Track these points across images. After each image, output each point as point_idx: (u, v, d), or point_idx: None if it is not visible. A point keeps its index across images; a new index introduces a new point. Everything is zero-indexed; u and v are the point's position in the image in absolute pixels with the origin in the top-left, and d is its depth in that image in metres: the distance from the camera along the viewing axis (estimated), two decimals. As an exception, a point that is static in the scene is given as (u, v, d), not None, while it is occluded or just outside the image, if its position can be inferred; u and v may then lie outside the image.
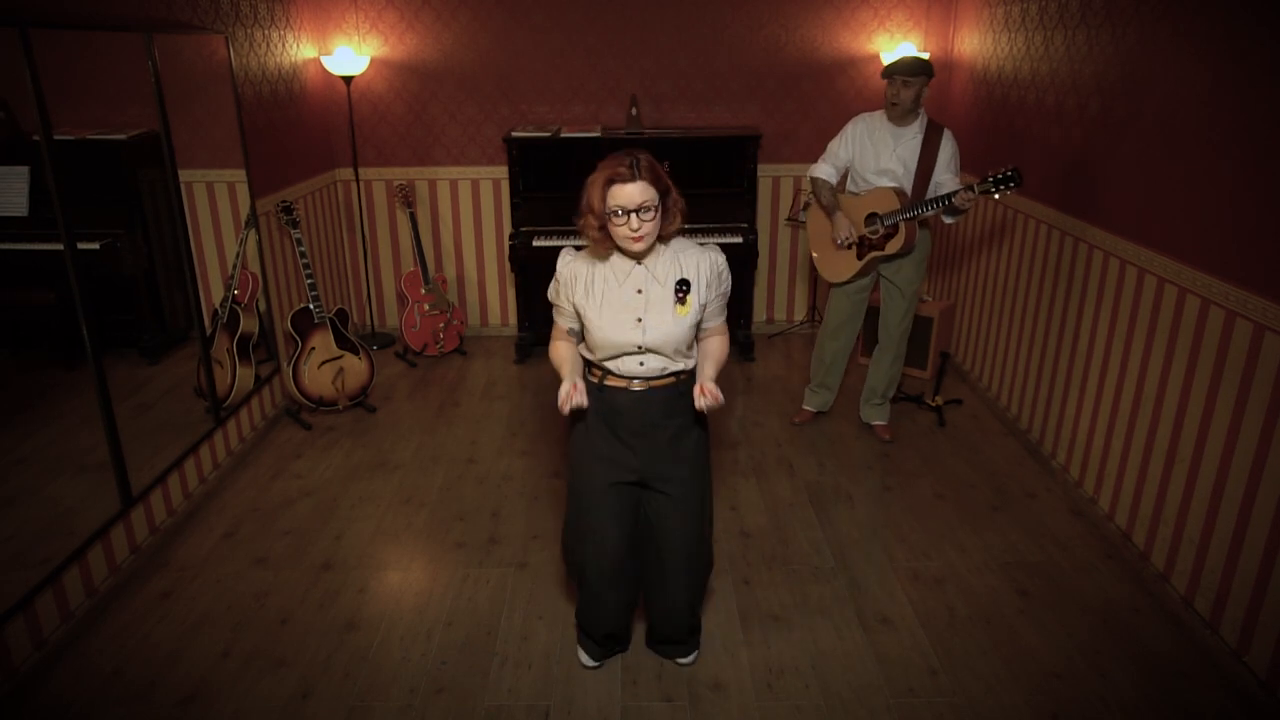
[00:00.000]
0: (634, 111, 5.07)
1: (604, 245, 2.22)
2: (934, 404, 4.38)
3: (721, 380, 2.32)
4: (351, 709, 2.53)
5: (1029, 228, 4.05)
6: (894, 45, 5.09)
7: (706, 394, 2.20)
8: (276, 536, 3.40)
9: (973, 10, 4.82)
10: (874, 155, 3.74)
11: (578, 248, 2.35)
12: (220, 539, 3.39)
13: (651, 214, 2.14)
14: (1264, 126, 2.48)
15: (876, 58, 5.15)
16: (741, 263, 4.89)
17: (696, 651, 2.71)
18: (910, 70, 3.55)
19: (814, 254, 4.06)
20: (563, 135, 4.91)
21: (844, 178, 3.93)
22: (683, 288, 2.23)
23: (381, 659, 2.73)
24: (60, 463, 2.91)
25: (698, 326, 2.33)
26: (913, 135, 3.69)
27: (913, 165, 3.68)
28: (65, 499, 2.90)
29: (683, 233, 2.32)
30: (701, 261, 2.29)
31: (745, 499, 3.64)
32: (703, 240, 2.46)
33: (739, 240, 4.86)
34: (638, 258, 2.24)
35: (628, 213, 2.11)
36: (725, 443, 4.12)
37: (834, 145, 3.86)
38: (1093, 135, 3.46)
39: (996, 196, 3.41)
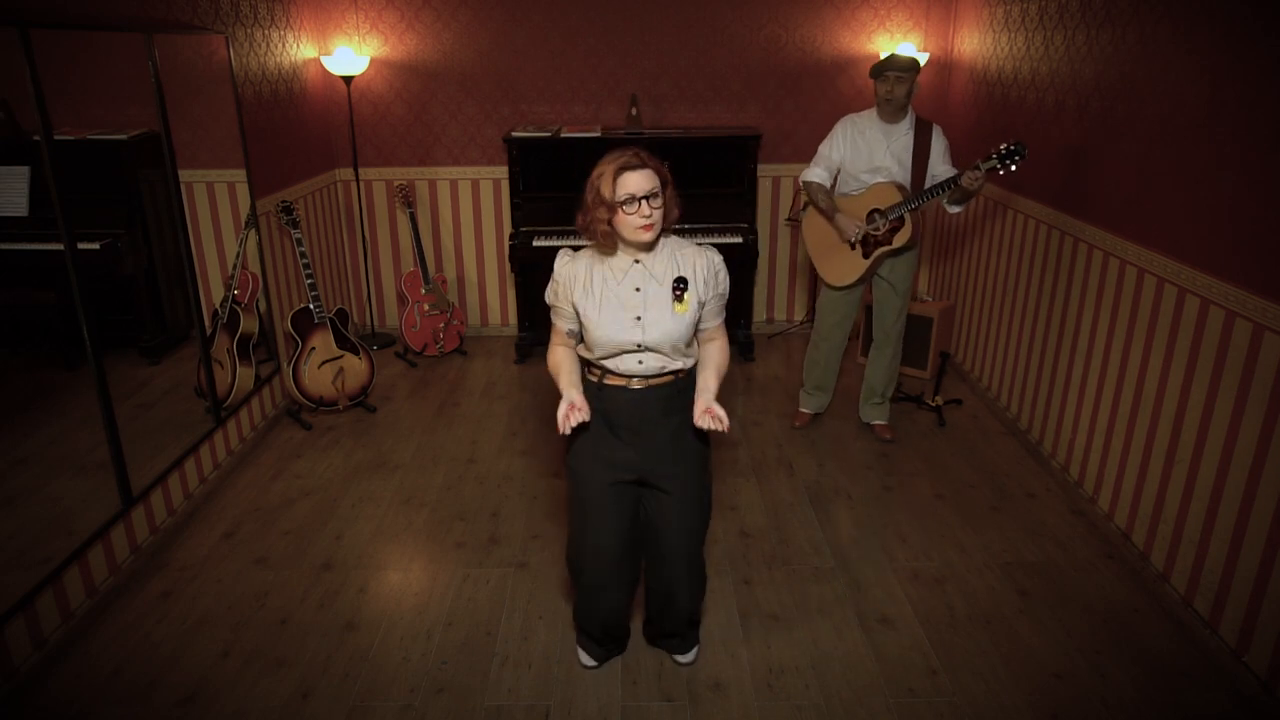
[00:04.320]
0: (634, 111, 5.08)
1: (609, 241, 2.23)
2: (934, 404, 4.38)
3: (721, 380, 2.32)
4: (351, 709, 2.53)
5: (1029, 227, 4.05)
6: (894, 45, 5.09)
7: (711, 416, 2.21)
8: (276, 536, 3.40)
9: (973, 10, 4.82)
10: (867, 154, 3.76)
11: (575, 248, 2.35)
12: (220, 539, 3.39)
13: (659, 202, 2.16)
14: (1264, 126, 2.48)
15: (877, 58, 5.14)
16: (741, 263, 4.89)
17: (696, 648, 2.72)
18: (903, 67, 3.61)
19: (815, 260, 4.01)
20: (563, 135, 4.91)
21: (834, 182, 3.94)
22: (680, 285, 2.23)
23: (381, 659, 2.73)
24: (60, 462, 2.92)
25: (696, 326, 2.34)
26: (904, 132, 3.73)
27: (907, 161, 3.72)
28: (65, 499, 2.90)
29: (681, 233, 2.32)
30: (698, 260, 2.30)
31: (745, 499, 3.64)
32: (701, 240, 2.47)
33: (739, 240, 4.86)
34: (636, 256, 2.25)
35: (638, 200, 2.13)
36: (725, 443, 4.12)
37: (824, 148, 3.86)
38: (1093, 135, 3.46)
39: (1001, 173, 3.46)
